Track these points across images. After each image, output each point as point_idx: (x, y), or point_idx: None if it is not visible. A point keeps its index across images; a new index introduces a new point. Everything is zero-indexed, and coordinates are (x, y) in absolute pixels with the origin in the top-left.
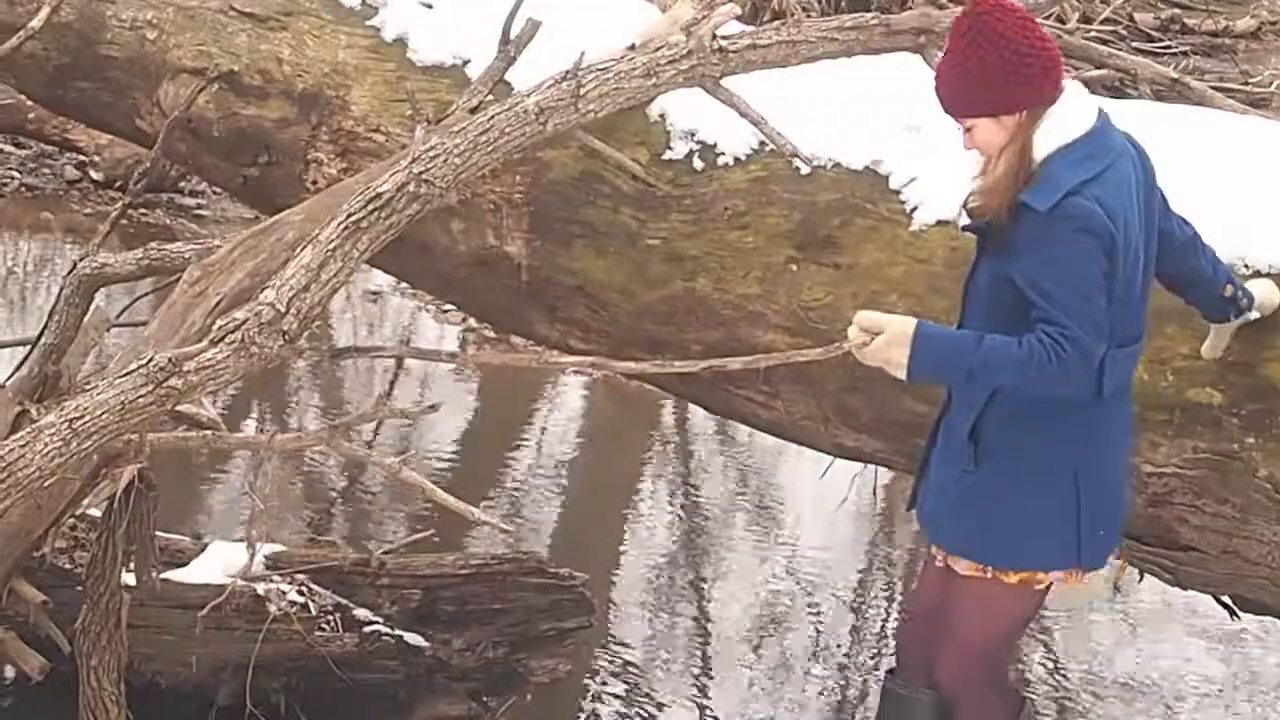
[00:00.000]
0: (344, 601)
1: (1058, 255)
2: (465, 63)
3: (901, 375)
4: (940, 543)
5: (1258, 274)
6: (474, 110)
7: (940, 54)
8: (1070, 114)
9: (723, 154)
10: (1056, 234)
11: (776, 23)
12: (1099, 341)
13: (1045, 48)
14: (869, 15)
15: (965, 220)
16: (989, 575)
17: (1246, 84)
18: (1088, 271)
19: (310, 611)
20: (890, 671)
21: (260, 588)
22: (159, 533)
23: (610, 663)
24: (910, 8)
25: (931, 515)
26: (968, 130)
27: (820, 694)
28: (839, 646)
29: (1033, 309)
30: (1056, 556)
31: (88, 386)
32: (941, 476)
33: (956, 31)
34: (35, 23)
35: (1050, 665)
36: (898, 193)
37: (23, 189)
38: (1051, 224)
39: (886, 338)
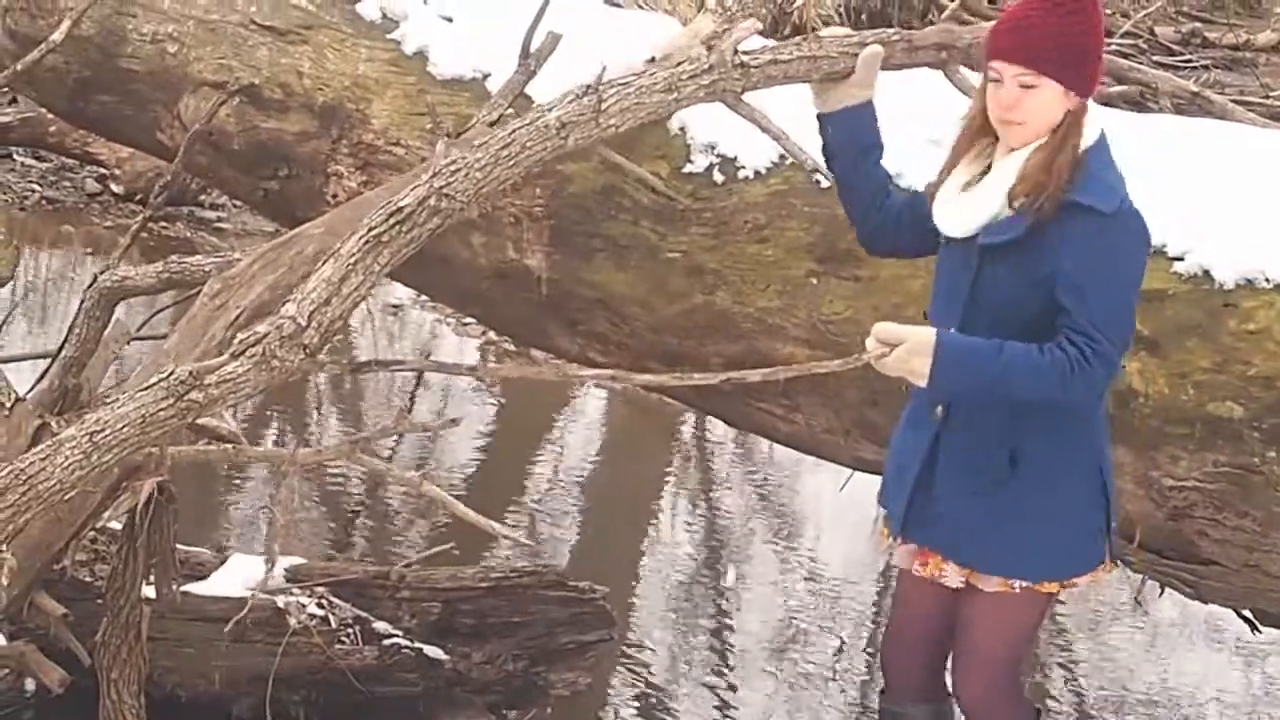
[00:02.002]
0: (364, 614)
1: (1110, 262)
2: (485, 76)
3: (923, 386)
4: (968, 563)
5: (1279, 288)
6: (494, 124)
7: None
8: (1094, 115)
9: (743, 167)
10: (1114, 239)
11: (798, 38)
12: (1123, 354)
13: None
14: (891, 31)
15: (960, 229)
16: (1018, 589)
17: (1268, 98)
18: (1135, 281)
19: (330, 624)
20: (882, 692)
21: (280, 601)
22: (179, 545)
23: (630, 676)
24: (932, 23)
25: (950, 536)
26: (1026, 88)
27: (840, 708)
28: (858, 660)
29: (1062, 314)
30: (1093, 558)
31: (108, 400)
32: (959, 495)
33: None
34: (56, 36)
35: (1071, 680)
36: None
37: (44, 202)
38: (1116, 228)
39: (908, 347)
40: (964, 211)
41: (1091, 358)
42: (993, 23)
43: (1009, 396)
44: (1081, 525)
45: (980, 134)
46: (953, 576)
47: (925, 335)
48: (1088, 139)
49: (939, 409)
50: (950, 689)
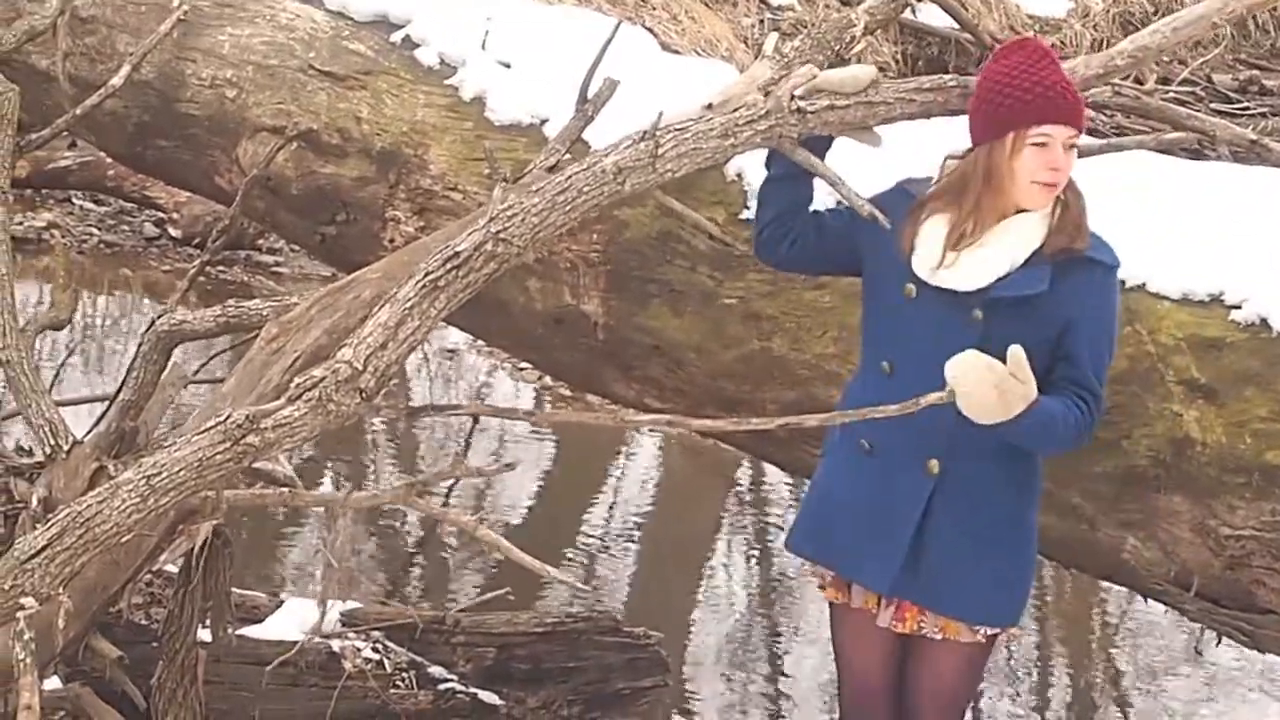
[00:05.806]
0: (419, 659)
1: (1112, 314)
2: (543, 121)
3: (991, 417)
4: (961, 616)
5: None
6: (552, 169)
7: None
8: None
9: None
10: (1114, 293)
11: None
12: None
13: None
14: (947, 77)
15: (969, 282)
16: (983, 638)
17: None
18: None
19: (385, 669)
20: None
21: (335, 644)
22: (235, 589)
23: None
24: None
25: (945, 591)
26: (1069, 149)
27: None
28: None
29: (1065, 365)
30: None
31: (165, 443)
32: (958, 550)
33: (1041, 49)
34: (116, 80)
35: None
36: None
37: (102, 246)
38: (1115, 283)
39: (1010, 396)
40: (973, 266)
41: (1094, 408)
42: (1011, 89)
43: (1037, 444)
44: (1030, 570)
45: (967, 194)
46: (931, 628)
47: (1030, 390)
48: None
49: (934, 464)
50: None
